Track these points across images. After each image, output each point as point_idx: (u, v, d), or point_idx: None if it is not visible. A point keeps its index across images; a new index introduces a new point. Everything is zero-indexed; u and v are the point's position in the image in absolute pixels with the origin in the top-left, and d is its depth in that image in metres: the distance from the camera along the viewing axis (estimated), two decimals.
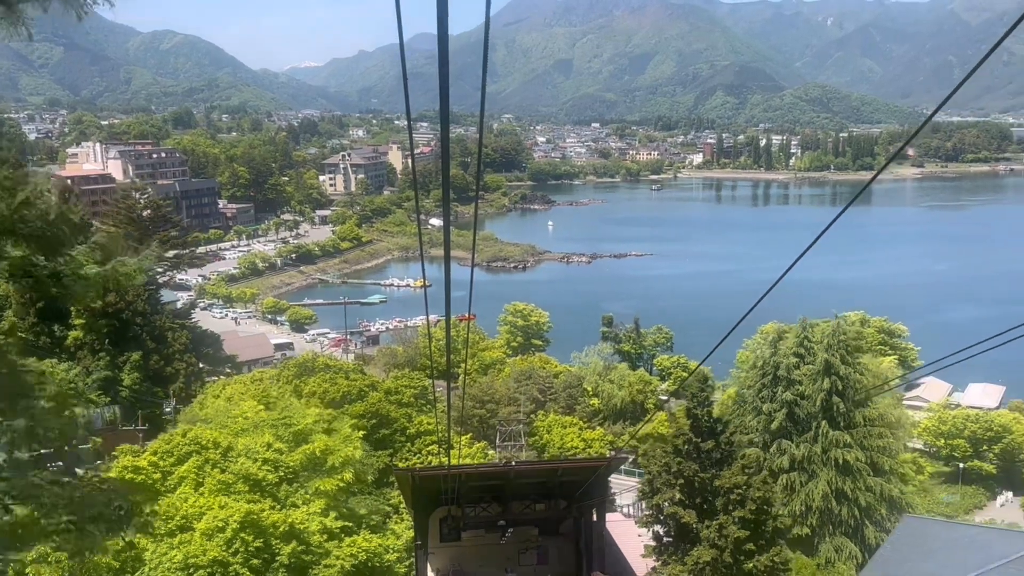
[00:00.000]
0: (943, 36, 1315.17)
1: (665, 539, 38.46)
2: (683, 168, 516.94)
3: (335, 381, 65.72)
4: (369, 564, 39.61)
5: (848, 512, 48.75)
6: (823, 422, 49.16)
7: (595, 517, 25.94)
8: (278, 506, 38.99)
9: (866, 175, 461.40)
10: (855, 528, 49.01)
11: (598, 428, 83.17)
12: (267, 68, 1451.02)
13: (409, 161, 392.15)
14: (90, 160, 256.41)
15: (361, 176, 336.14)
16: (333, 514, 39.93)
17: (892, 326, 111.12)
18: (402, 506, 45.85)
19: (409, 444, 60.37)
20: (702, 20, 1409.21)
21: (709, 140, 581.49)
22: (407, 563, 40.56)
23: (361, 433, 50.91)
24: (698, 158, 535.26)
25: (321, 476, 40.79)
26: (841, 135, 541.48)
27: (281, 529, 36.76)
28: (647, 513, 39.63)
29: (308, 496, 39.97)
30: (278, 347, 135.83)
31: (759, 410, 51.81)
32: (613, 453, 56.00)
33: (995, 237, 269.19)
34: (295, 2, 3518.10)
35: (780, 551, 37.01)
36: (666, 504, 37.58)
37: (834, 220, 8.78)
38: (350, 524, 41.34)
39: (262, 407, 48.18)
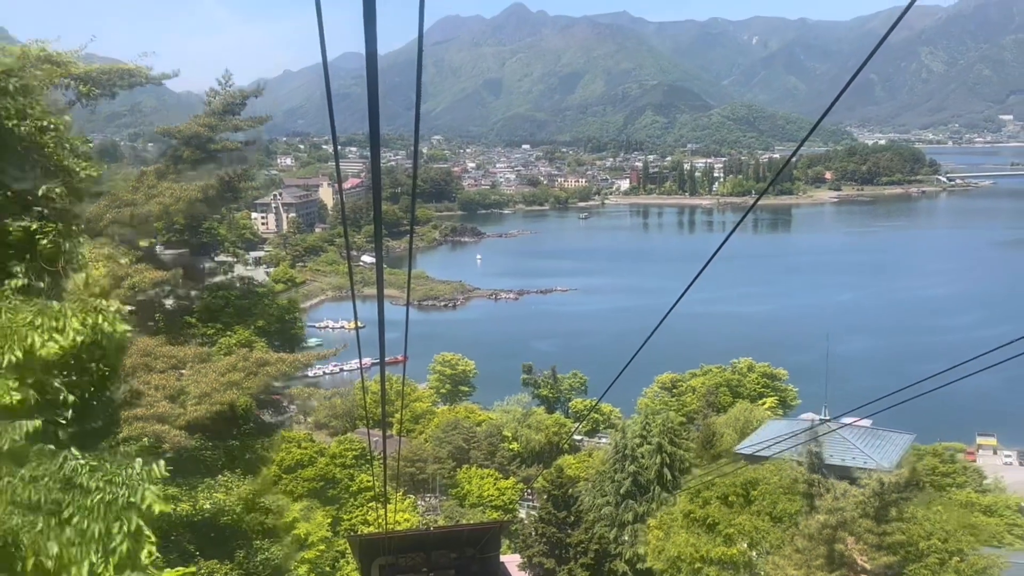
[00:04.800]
0: (864, 54, 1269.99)
1: None
2: (610, 195, 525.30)
3: (289, 450, 77.66)
4: None
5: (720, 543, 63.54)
6: (657, 487, 63.52)
7: (495, 561, 38.38)
8: None
9: (786, 199, 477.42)
10: None
11: (511, 477, 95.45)
12: (190, 91, 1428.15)
13: (339, 197, 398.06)
14: None
15: (293, 215, 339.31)
16: (312, 574, 54.24)
17: (774, 371, 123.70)
18: (348, 553, 59.44)
19: (352, 499, 74.15)
20: (630, 39, 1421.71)
21: (637, 163, 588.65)
22: None
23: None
24: (625, 184, 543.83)
25: (304, 550, 54.87)
26: (763, 160, 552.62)
27: None
28: (523, 561, 54.68)
29: (296, 563, 53.67)
30: None
31: (613, 478, 66.19)
32: (509, 515, 72.82)
33: (899, 264, 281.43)
34: (217, 22, 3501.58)
35: None
36: (535, 555, 53.05)
37: (711, 259, 9.52)
38: None
39: None
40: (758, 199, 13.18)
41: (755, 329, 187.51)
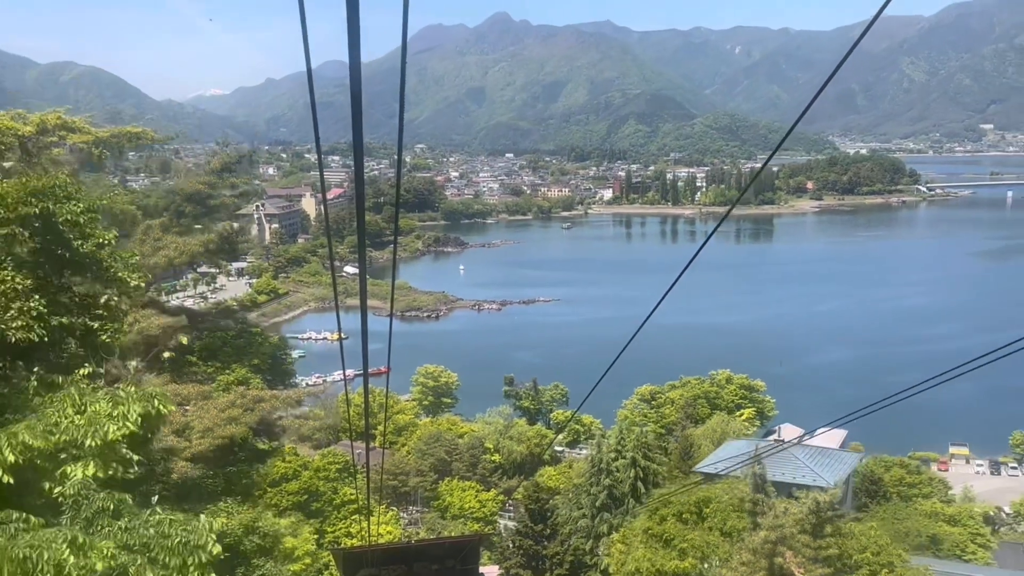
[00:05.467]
0: (846, 63, 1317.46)
1: None
2: (593, 204, 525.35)
3: (274, 464, 79.08)
4: None
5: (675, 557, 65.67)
6: (631, 499, 65.47)
7: (475, 572, 40.00)
8: None
9: (768, 209, 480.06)
10: None
11: (492, 489, 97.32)
12: (171, 98, 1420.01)
13: (323, 208, 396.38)
14: None
15: (275, 226, 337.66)
16: None
17: (752, 382, 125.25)
18: (332, 565, 61.05)
19: (336, 512, 75.69)
20: (613, 48, 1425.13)
21: (620, 173, 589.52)
22: None
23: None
24: (608, 193, 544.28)
25: (290, 563, 56.56)
26: (745, 169, 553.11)
27: None
28: (501, 572, 56.53)
29: None
30: None
31: (589, 492, 68.07)
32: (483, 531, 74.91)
33: (878, 274, 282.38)
34: (199, 29, 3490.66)
35: None
36: (512, 567, 54.88)
37: (684, 269, 9.59)
38: None
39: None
40: (730, 208, 13.93)
41: (735, 340, 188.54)
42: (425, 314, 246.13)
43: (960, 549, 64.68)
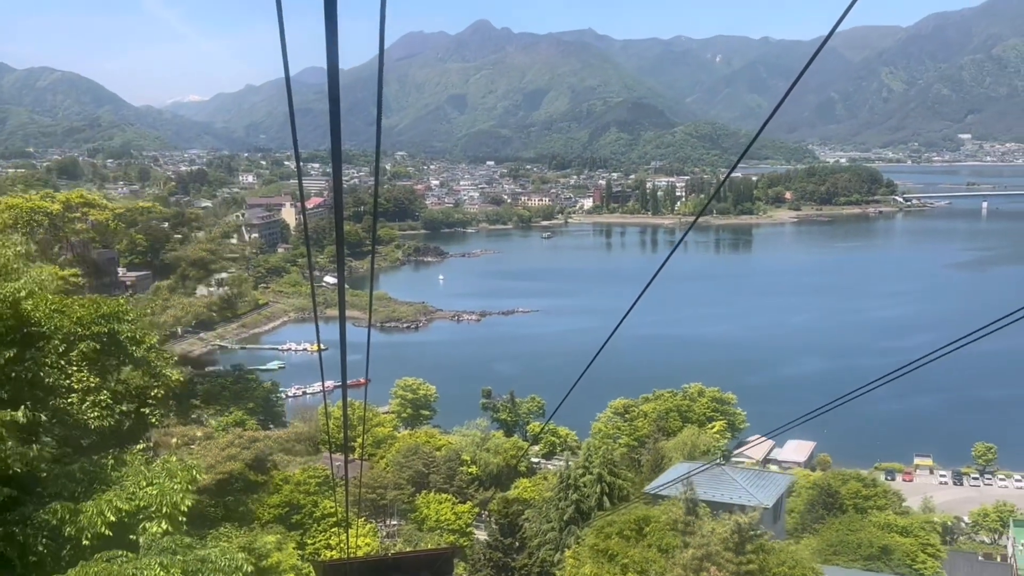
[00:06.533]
0: (826, 73, 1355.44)
1: None
2: (574, 213, 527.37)
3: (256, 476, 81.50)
4: None
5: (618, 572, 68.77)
6: (597, 513, 68.44)
7: None
8: None
9: (746, 219, 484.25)
10: None
11: (468, 501, 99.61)
12: (150, 104, 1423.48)
13: (302, 217, 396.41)
14: None
15: (255, 236, 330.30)
16: None
17: (723, 395, 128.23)
18: None
19: (316, 525, 78.09)
20: (594, 57, 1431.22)
21: (601, 181, 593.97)
22: None
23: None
24: (588, 202, 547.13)
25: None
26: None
27: None
28: None
29: None
30: None
31: (557, 506, 70.85)
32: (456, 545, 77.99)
33: (854, 285, 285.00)
34: (178, 35, 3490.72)
35: None
36: None
37: (652, 279, 9.97)
38: None
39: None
40: (696, 217, 14.97)
41: (710, 351, 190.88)
42: (404, 325, 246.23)
43: (911, 559, 67.61)
